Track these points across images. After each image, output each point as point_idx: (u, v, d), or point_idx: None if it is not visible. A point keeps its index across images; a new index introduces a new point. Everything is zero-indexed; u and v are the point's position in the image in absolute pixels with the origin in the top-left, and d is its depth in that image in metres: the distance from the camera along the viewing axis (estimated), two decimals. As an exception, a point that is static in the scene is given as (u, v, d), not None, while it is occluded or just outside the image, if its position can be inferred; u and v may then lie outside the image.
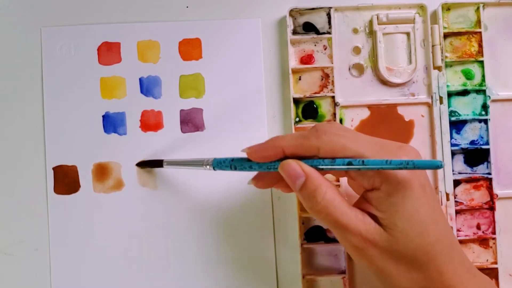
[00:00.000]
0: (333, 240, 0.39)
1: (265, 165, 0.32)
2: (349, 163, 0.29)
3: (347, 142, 0.30)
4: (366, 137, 0.32)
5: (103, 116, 0.40)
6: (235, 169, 0.33)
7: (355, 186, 0.35)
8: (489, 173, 0.39)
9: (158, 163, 0.38)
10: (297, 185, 0.31)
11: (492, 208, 0.39)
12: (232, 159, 0.33)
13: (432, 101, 0.40)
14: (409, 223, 0.29)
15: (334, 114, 0.39)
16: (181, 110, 0.40)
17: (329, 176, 0.38)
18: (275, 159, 0.32)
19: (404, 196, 0.29)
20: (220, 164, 0.34)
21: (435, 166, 0.28)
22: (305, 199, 0.31)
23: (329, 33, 0.40)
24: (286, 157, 0.31)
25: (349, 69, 0.40)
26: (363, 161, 0.29)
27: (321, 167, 0.31)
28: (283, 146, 0.31)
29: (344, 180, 0.38)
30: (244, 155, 0.33)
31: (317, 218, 0.31)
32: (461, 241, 0.39)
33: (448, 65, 0.40)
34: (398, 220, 0.29)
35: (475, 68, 0.40)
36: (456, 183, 0.39)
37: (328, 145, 0.30)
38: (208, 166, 0.34)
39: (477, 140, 0.40)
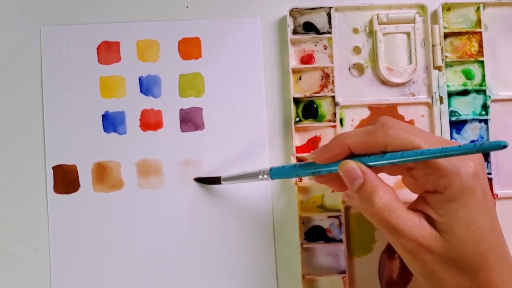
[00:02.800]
0: (333, 240, 0.39)
1: (326, 166, 0.32)
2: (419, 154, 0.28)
3: (414, 138, 0.29)
4: (428, 133, 0.32)
5: (103, 116, 0.40)
6: (297, 176, 0.33)
7: (411, 184, 0.33)
8: (489, 173, 0.39)
9: (216, 180, 0.38)
10: (354, 186, 0.30)
11: (492, 208, 0.39)
12: (294, 165, 0.33)
13: (432, 101, 0.40)
14: (467, 230, 0.29)
15: (334, 114, 0.39)
16: (181, 109, 0.40)
17: None
18: (341, 158, 0.31)
19: (466, 203, 0.29)
20: (279, 173, 0.34)
21: (501, 146, 0.26)
22: (361, 200, 0.31)
23: (329, 33, 0.40)
24: (352, 155, 0.31)
25: (349, 69, 0.40)
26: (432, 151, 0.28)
27: (377, 163, 0.30)
28: (348, 144, 0.31)
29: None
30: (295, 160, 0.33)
31: (371, 220, 0.31)
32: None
33: (448, 65, 0.40)
34: (456, 225, 0.29)
35: (475, 68, 0.40)
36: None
37: (395, 141, 0.29)
38: (265, 176, 0.34)
39: (477, 140, 0.40)
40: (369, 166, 0.30)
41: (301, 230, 0.39)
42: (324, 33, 0.40)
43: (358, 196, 0.31)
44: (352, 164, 0.30)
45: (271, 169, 0.34)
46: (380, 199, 0.30)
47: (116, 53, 0.40)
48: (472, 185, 0.29)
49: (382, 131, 0.30)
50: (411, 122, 0.40)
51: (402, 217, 0.30)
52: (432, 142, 0.30)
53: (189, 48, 0.40)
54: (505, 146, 0.25)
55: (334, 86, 0.40)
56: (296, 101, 0.40)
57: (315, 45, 0.40)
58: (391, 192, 0.30)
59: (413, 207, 0.31)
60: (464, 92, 0.40)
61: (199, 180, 0.39)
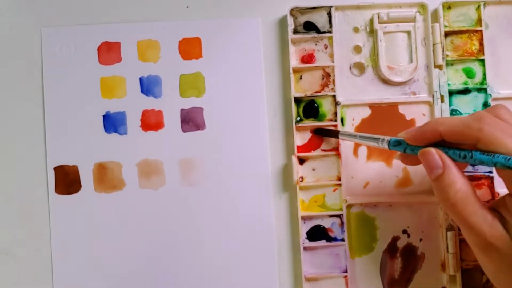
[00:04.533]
0: (335, 239, 0.39)
1: (414, 147, 0.32)
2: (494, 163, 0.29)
3: (508, 141, 0.29)
4: None
5: (104, 116, 0.40)
6: (405, 150, 0.33)
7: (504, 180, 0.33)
8: (491, 172, 0.39)
9: (334, 133, 0.38)
10: (433, 175, 0.31)
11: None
12: (405, 147, 0.33)
13: (433, 100, 0.40)
14: None
15: (335, 113, 0.39)
16: (182, 109, 0.40)
17: None
18: (432, 142, 0.32)
19: None
20: (396, 147, 0.34)
21: None
22: (438, 190, 0.31)
23: (329, 32, 0.40)
24: (443, 141, 0.31)
25: (350, 68, 0.40)
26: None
27: (460, 160, 0.30)
28: (441, 131, 0.31)
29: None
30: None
31: (445, 210, 0.31)
32: (462, 240, 0.39)
33: (449, 63, 0.40)
34: None
35: (476, 67, 0.40)
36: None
37: (488, 139, 0.29)
38: (384, 144, 0.34)
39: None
40: (453, 159, 0.31)
41: (302, 229, 0.39)
42: (324, 32, 0.40)
43: (434, 185, 0.31)
44: (433, 152, 0.31)
45: (391, 139, 0.34)
46: (456, 192, 0.30)
47: (116, 53, 0.40)
48: None
49: (477, 125, 0.30)
50: (412, 121, 0.40)
51: (476, 213, 0.30)
52: None
53: (190, 48, 0.40)
54: None
55: (334, 85, 0.40)
56: (297, 100, 0.40)
57: (316, 44, 0.40)
58: (468, 185, 0.30)
59: (493, 205, 0.31)
60: (465, 91, 0.40)
61: (318, 131, 0.39)
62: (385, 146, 0.34)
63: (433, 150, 0.31)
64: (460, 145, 0.31)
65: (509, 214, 0.30)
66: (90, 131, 0.40)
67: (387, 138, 0.34)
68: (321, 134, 0.39)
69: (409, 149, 0.33)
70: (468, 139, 0.30)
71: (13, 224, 0.39)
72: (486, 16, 0.40)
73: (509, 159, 0.28)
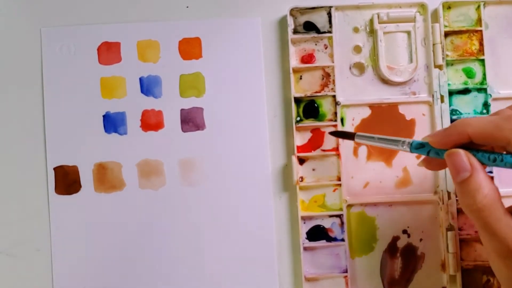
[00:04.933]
0: (335, 239, 0.39)
1: (438, 150, 0.31)
2: None
3: None
4: None
5: (104, 116, 0.40)
6: (428, 154, 0.32)
7: None
8: (491, 172, 0.39)
9: (350, 136, 0.36)
10: (459, 178, 0.29)
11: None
12: (429, 150, 0.32)
13: (433, 100, 0.40)
14: None
15: (335, 113, 0.39)
16: (182, 110, 0.40)
17: None
18: (458, 145, 0.30)
19: None
20: (418, 150, 0.32)
21: None
22: (463, 194, 0.30)
23: (329, 32, 0.40)
24: (471, 143, 0.30)
25: (350, 68, 0.40)
26: None
27: (492, 164, 0.29)
28: (469, 133, 0.30)
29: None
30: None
31: (467, 214, 0.30)
32: (462, 240, 0.39)
33: (449, 63, 0.40)
34: None
35: (476, 67, 0.40)
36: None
37: None
38: (404, 147, 0.33)
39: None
40: (481, 162, 0.30)
41: (302, 229, 0.39)
42: (324, 32, 0.40)
43: (459, 188, 0.30)
44: (461, 154, 0.30)
45: (413, 142, 0.32)
46: (484, 197, 0.29)
47: (116, 53, 0.40)
48: None
49: (509, 125, 0.28)
50: (412, 121, 0.40)
51: (501, 220, 0.29)
52: None
53: (190, 48, 0.40)
54: None
55: (334, 85, 0.40)
56: (297, 100, 0.40)
57: (316, 44, 0.40)
58: (496, 191, 0.30)
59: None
60: (465, 91, 0.40)
61: (334, 133, 0.38)
62: (407, 149, 0.33)
63: (461, 151, 0.30)
64: (485, 147, 0.30)
65: None
66: (90, 131, 0.40)
67: (409, 140, 0.33)
68: (337, 136, 0.39)
69: (433, 152, 0.31)
70: (498, 141, 0.29)
71: (13, 224, 0.39)
72: (486, 16, 0.40)
73: None
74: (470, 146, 0.30)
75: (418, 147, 0.32)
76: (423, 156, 0.33)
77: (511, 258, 0.29)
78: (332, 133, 0.38)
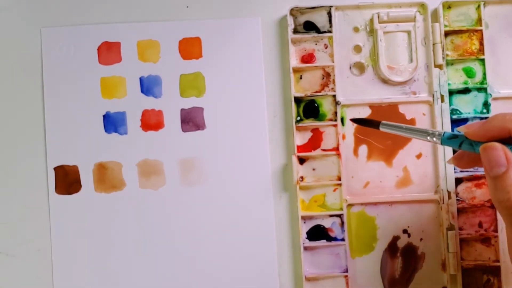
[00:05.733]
0: (335, 239, 0.39)
1: (474, 143, 0.30)
2: None
3: None
4: None
5: (104, 116, 0.40)
6: (460, 147, 0.31)
7: None
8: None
9: (375, 124, 0.35)
10: (493, 172, 0.29)
11: (493, 206, 0.39)
12: (462, 141, 0.31)
13: (433, 100, 0.40)
14: None
15: (335, 113, 0.39)
16: (182, 109, 0.40)
17: None
18: (496, 139, 0.29)
19: None
20: (450, 141, 0.31)
21: None
22: (497, 188, 0.29)
23: (330, 32, 0.40)
24: (509, 138, 0.29)
25: (350, 67, 0.40)
26: None
27: None
28: (510, 128, 0.29)
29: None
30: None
31: (499, 209, 0.29)
32: (463, 239, 0.39)
33: (449, 63, 0.40)
34: None
35: (476, 66, 0.40)
36: (458, 181, 0.39)
37: None
38: (434, 139, 0.32)
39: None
40: None
41: (302, 229, 0.39)
42: (324, 32, 0.40)
43: (494, 183, 0.29)
44: (499, 148, 0.29)
45: (444, 133, 0.31)
46: None
47: (116, 53, 0.40)
48: None
49: None
50: (412, 120, 0.40)
51: None
52: None
53: (190, 48, 0.40)
54: None
55: (335, 85, 0.40)
56: (297, 100, 0.40)
57: (316, 44, 0.40)
58: None
59: None
60: (465, 90, 0.40)
61: (357, 121, 0.37)
62: (437, 140, 0.32)
63: (498, 145, 0.29)
64: None
65: None
66: (90, 131, 0.40)
67: (440, 131, 0.32)
68: (360, 123, 0.37)
69: (466, 143, 0.30)
70: None
71: (14, 224, 0.39)
72: (486, 15, 0.40)
73: None
74: (508, 141, 0.30)
75: (451, 137, 0.31)
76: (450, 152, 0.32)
77: None
78: (354, 120, 0.37)
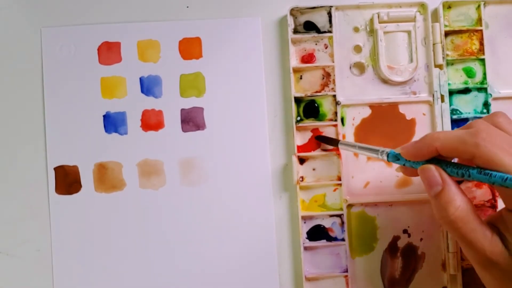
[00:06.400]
0: (335, 239, 0.39)
1: (413, 163, 0.32)
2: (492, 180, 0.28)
3: (504, 159, 0.28)
4: None
5: (104, 116, 0.40)
6: (404, 164, 0.33)
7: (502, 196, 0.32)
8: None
9: (334, 142, 0.38)
10: (432, 192, 0.30)
11: (494, 206, 0.39)
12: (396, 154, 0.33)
13: (433, 100, 0.40)
14: None
15: (336, 113, 0.39)
16: (182, 109, 0.40)
17: None
18: (429, 158, 0.31)
19: None
20: (394, 160, 0.33)
21: None
22: (437, 207, 0.30)
23: (330, 32, 0.40)
24: (439, 156, 0.31)
25: (350, 67, 0.40)
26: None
27: (458, 178, 0.30)
28: (437, 147, 0.30)
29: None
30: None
31: (444, 227, 0.31)
32: (463, 240, 0.39)
33: (449, 63, 0.40)
34: None
35: (476, 66, 0.40)
36: (458, 181, 0.39)
37: (484, 156, 0.29)
38: (384, 157, 0.34)
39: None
40: (450, 175, 0.30)
41: (302, 229, 0.39)
42: (324, 32, 0.40)
43: (434, 202, 0.31)
44: (432, 170, 0.31)
45: (390, 152, 0.33)
46: (456, 209, 0.30)
47: (116, 53, 0.40)
48: None
49: (473, 141, 0.29)
50: (412, 120, 0.40)
51: (475, 230, 0.29)
52: None
53: (190, 48, 0.40)
54: None
55: (335, 85, 0.40)
56: (297, 100, 0.40)
57: (316, 44, 0.40)
58: (468, 203, 0.30)
59: (491, 220, 0.31)
60: (465, 90, 0.40)
61: (319, 138, 0.39)
62: (385, 158, 0.34)
63: (432, 167, 0.31)
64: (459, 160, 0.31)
65: (507, 230, 0.30)
66: (90, 131, 0.40)
67: (387, 150, 0.34)
68: (322, 141, 0.39)
69: (408, 163, 0.32)
70: (464, 155, 0.30)
71: (13, 224, 0.39)
72: (486, 15, 0.40)
73: (506, 179, 0.27)
74: (443, 158, 0.31)
75: (394, 159, 0.33)
76: None
77: (491, 266, 0.29)
78: (317, 138, 0.39)
